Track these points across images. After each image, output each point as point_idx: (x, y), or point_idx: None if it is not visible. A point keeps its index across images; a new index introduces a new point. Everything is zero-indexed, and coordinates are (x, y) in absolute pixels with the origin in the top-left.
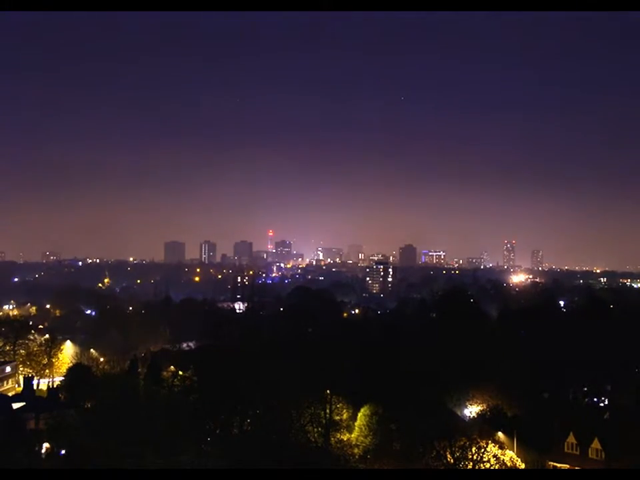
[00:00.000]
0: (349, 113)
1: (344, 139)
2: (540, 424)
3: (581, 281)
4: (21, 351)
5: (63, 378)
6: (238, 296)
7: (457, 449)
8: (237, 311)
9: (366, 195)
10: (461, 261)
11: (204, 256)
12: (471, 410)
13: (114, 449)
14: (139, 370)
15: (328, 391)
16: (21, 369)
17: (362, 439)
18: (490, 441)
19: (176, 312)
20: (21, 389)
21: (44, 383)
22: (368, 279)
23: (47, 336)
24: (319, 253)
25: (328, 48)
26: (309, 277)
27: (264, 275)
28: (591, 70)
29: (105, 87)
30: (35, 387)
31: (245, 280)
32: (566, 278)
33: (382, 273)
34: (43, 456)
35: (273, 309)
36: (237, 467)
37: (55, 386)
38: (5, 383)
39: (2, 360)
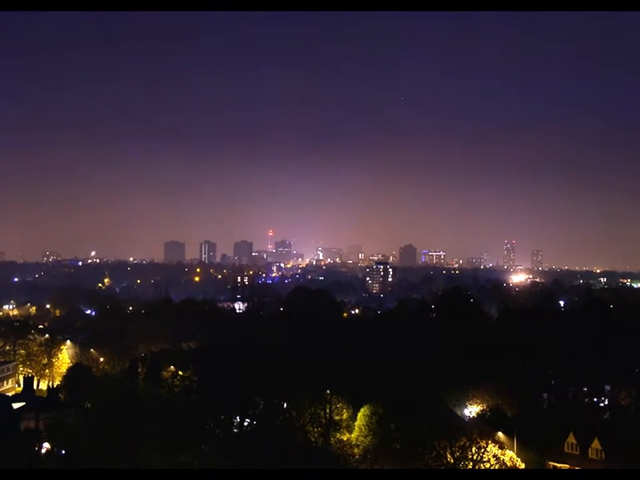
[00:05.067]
0: (348, 112)
1: (344, 138)
2: (540, 424)
3: (581, 281)
4: (21, 351)
5: (63, 378)
6: (238, 296)
7: (457, 449)
8: (237, 311)
9: (366, 195)
10: (460, 261)
11: (204, 256)
12: (471, 410)
13: (114, 449)
14: (139, 370)
15: (328, 391)
16: (21, 369)
17: (362, 438)
18: (490, 441)
19: (176, 312)
20: (21, 389)
21: (44, 382)
22: (368, 278)
23: (47, 336)
24: (319, 253)
25: (327, 47)
26: (309, 277)
27: (264, 275)
28: (592, 70)
29: (104, 87)
30: (35, 387)
31: (244, 280)
32: (566, 278)
33: (382, 273)
34: (43, 456)
35: (273, 309)
36: (236, 467)
37: (55, 386)
38: (5, 382)
39: (2, 360)
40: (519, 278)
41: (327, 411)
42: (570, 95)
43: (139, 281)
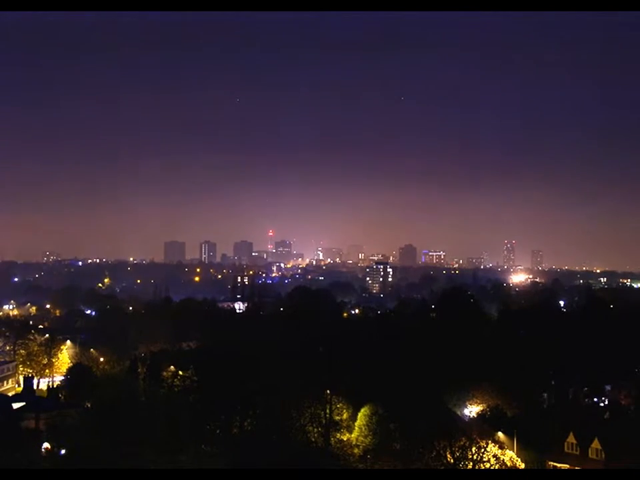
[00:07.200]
0: (348, 112)
1: (343, 138)
2: (540, 424)
3: (581, 281)
4: (21, 351)
5: (63, 378)
6: (238, 296)
7: (457, 449)
8: (237, 311)
9: (366, 195)
10: (460, 261)
11: (204, 256)
12: (471, 410)
13: (114, 449)
14: (139, 370)
15: (328, 391)
16: (21, 369)
17: (362, 438)
18: (490, 441)
19: (176, 312)
20: (21, 389)
21: (44, 382)
22: (368, 278)
23: (47, 336)
24: (318, 252)
25: (327, 48)
26: (309, 276)
27: (264, 275)
28: (592, 69)
29: (104, 89)
30: (35, 387)
31: (244, 280)
32: (566, 278)
33: (382, 273)
34: (43, 456)
35: (273, 309)
36: (237, 467)
37: (55, 386)
38: (5, 382)
39: (2, 360)
40: (518, 278)
41: (327, 411)
42: (569, 95)
43: (139, 281)
